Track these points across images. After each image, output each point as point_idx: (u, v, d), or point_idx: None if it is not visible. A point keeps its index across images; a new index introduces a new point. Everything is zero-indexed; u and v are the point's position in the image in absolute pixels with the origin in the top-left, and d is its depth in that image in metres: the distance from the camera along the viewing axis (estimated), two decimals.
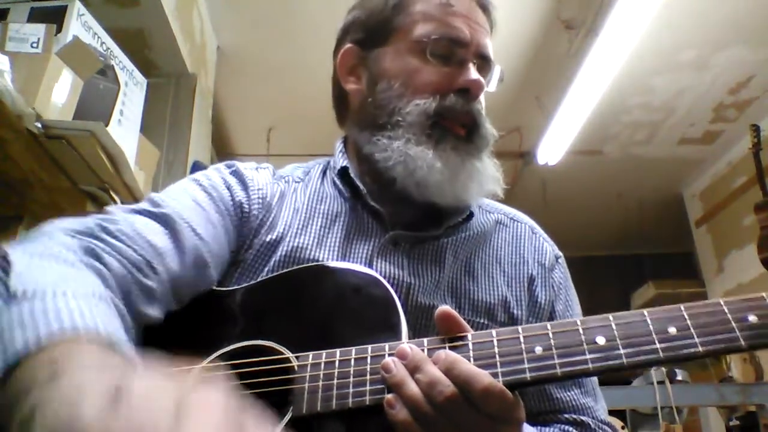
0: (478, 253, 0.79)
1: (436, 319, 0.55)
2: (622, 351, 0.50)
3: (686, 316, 0.49)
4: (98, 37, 1.53)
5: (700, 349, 0.47)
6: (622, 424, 2.96)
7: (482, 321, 0.73)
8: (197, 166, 2.31)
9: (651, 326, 0.50)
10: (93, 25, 1.52)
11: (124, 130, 1.56)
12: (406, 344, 0.55)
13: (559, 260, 0.85)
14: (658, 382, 2.23)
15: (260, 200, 0.79)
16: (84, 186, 1.29)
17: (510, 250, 0.82)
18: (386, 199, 0.78)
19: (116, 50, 1.60)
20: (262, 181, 0.81)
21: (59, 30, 1.39)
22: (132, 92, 1.65)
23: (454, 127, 0.77)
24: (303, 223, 0.77)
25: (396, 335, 0.58)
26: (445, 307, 0.55)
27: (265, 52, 3.05)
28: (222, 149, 3.67)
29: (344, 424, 0.55)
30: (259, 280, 0.70)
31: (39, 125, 1.12)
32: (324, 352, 0.57)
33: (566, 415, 0.73)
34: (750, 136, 3.19)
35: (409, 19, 0.80)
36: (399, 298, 0.63)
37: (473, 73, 0.77)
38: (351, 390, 0.54)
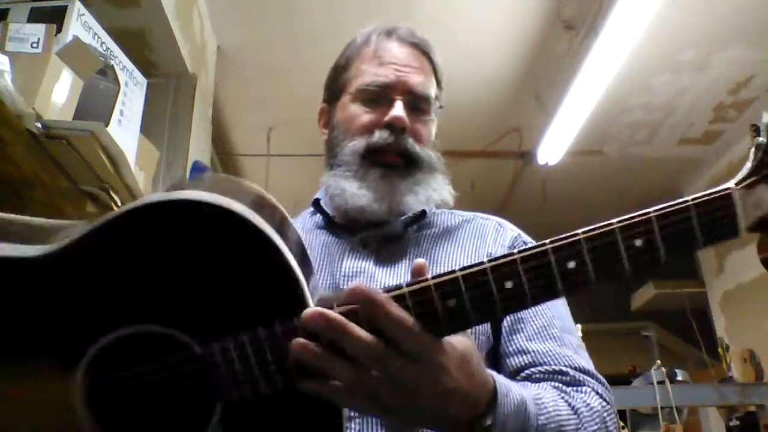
0: (443, 244, 0.88)
1: (412, 271, 0.54)
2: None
3: (585, 251, 0.53)
4: (98, 37, 1.53)
5: (593, 278, 0.52)
6: (622, 424, 2.97)
7: None
8: (197, 166, 2.31)
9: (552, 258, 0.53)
10: (93, 25, 1.51)
11: (124, 130, 1.56)
12: (312, 311, 0.49)
13: (526, 243, 0.87)
14: (659, 383, 2.23)
15: None
16: (84, 186, 1.29)
17: (474, 241, 0.88)
18: (351, 220, 0.90)
19: (116, 50, 1.60)
20: None
21: (59, 30, 1.39)
22: (132, 92, 1.65)
23: (386, 158, 0.88)
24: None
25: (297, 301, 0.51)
26: (419, 260, 0.54)
27: (265, 52, 3.05)
28: (222, 149, 3.67)
29: (277, 406, 0.51)
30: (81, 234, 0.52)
31: (39, 125, 1.12)
32: (230, 336, 0.50)
33: (545, 367, 0.74)
34: (750, 136, 3.19)
35: (351, 75, 0.94)
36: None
37: (396, 109, 0.88)
38: (274, 371, 0.50)
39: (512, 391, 0.59)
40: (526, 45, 3.03)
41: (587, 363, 0.77)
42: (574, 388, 0.72)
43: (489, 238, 0.89)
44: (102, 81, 1.43)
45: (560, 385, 0.73)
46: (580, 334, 2.97)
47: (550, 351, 0.76)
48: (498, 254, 0.77)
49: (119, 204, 1.35)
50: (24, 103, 1.09)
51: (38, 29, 1.32)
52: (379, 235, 0.87)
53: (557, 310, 0.82)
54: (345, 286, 0.74)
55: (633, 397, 2.44)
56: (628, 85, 3.22)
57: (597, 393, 0.73)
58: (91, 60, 1.38)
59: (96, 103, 1.39)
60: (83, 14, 1.48)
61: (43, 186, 1.26)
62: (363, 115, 0.90)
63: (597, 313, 4.64)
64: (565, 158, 3.75)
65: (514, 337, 0.78)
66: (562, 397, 0.69)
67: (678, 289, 4.45)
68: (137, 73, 1.70)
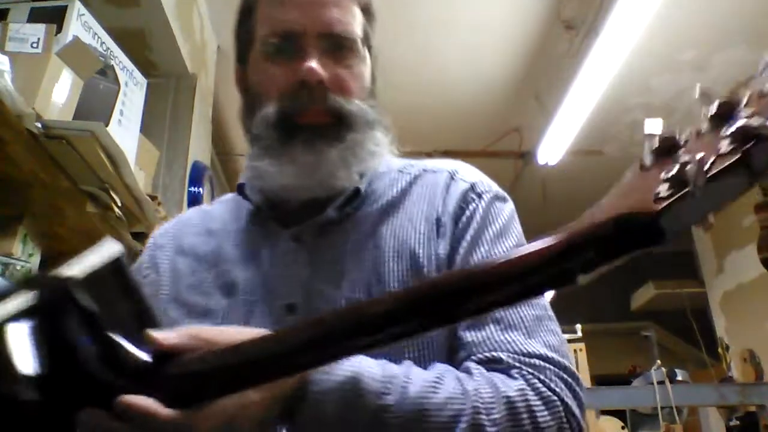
0: (389, 220, 0.72)
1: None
2: None
3: None
4: (98, 37, 1.53)
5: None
6: (622, 424, 2.97)
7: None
8: (197, 166, 2.31)
9: None
10: (93, 25, 1.51)
11: (124, 130, 1.56)
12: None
13: (483, 196, 0.74)
14: (658, 383, 2.23)
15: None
16: (84, 186, 1.29)
17: (423, 205, 0.73)
18: (280, 207, 0.75)
19: (116, 50, 1.60)
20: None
21: (59, 30, 1.39)
22: (132, 92, 1.65)
23: (309, 119, 0.71)
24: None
25: None
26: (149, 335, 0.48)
27: None
28: (222, 149, 3.67)
29: None
30: None
31: (39, 125, 1.12)
32: None
33: (478, 356, 0.61)
34: None
35: (254, 24, 0.77)
36: (301, 296, 0.65)
37: (308, 61, 0.70)
38: None
39: (340, 369, 0.53)
40: (526, 45, 3.03)
41: (541, 344, 0.62)
42: (499, 374, 0.59)
43: (439, 197, 0.74)
44: (102, 81, 1.43)
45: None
46: (580, 334, 2.98)
47: (488, 339, 0.62)
48: (450, 212, 0.72)
49: (119, 204, 1.35)
50: (24, 103, 1.09)
51: (38, 29, 1.32)
52: (312, 226, 0.72)
53: None
54: (279, 294, 0.67)
55: (633, 397, 2.44)
56: (628, 85, 3.22)
57: (534, 379, 0.59)
58: (91, 60, 1.38)
59: (96, 103, 1.39)
60: (83, 14, 1.48)
61: (43, 186, 1.26)
62: (272, 74, 0.73)
63: (597, 313, 4.65)
64: (565, 158, 3.75)
65: (455, 327, 0.65)
66: (456, 378, 0.57)
67: (678, 289, 4.45)
68: (137, 73, 1.70)
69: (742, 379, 3.44)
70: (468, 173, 0.78)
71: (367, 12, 0.80)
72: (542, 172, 3.98)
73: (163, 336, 0.47)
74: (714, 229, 4.16)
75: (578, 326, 3.73)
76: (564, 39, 2.94)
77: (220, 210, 0.84)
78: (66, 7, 1.44)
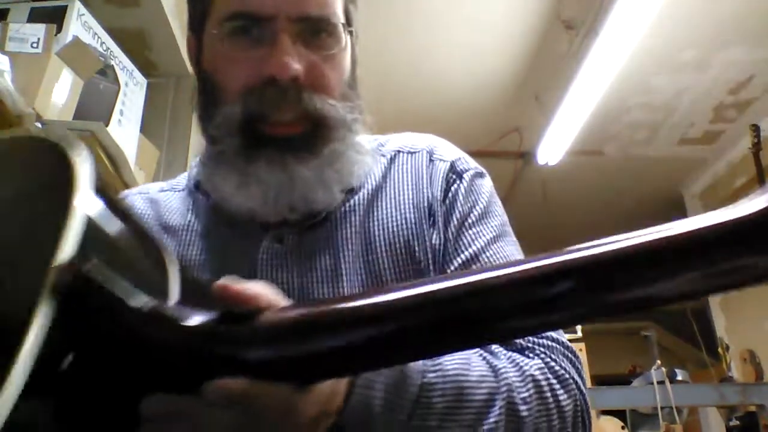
0: (376, 210, 0.66)
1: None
2: None
3: None
4: (98, 37, 1.53)
5: None
6: (622, 424, 2.97)
7: None
8: None
9: None
10: (93, 25, 1.52)
11: (124, 130, 1.56)
12: None
13: (463, 176, 0.70)
14: (658, 382, 2.23)
15: None
16: None
17: (408, 191, 0.67)
18: None
19: (116, 50, 1.60)
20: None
21: (59, 30, 1.39)
22: (132, 92, 1.65)
23: (280, 129, 0.59)
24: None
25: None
26: (216, 284, 0.40)
27: None
28: None
29: None
30: None
31: (39, 125, 1.12)
32: None
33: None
34: (750, 136, 3.19)
35: None
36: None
37: (281, 52, 0.58)
38: None
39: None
40: (526, 45, 3.03)
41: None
42: (516, 352, 0.58)
43: (424, 183, 0.68)
44: (102, 81, 1.43)
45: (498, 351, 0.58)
46: (580, 334, 2.97)
47: None
48: (439, 198, 0.66)
49: None
50: (24, 103, 1.09)
51: (38, 29, 1.32)
52: (295, 225, 0.62)
53: (502, 257, 0.65)
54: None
55: (633, 397, 2.44)
56: (628, 85, 3.22)
57: (548, 359, 0.58)
58: (91, 60, 1.38)
59: (96, 103, 1.39)
60: (83, 14, 1.48)
61: None
62: (234, 62, 0.60)
63: None
64: (565, 158, 3.75)
65: None
66: (483, 357, 0.55)
67: None
68: (137, 73, 1.70)
69: (742, 379, 3.44)
70: (445, 151, 0.72)
71: None
72: (542, 172, 3.98)
73: (240, 288, 0.38)
74: None
75: (578, 326, 3.73)
76: (564, 39, 2.94)
77: (176, 202, 0.70)
78: (66, 7, 1.44)
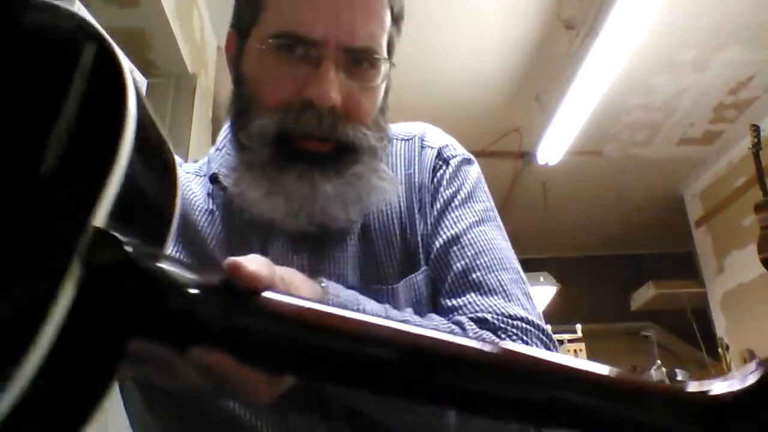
0: (379, 213, 0.68)
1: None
2: None
3: None
4: None
5: None
6: None
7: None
8: None
9: None
10: None
11: None
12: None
13: (450, 162, 0.72)
14: None
15: None
16: None
17: (403, 176, 0.71)
18: None
19: None
20: None
21: None
22: None
23: (309, 145, 0.61)
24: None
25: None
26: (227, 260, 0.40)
27: None
28: None
29: None
30: None
31: None
32: None
33: (466, 316, 0.61)
34: (750, 136, 3.19)
35: (265, 5, 0.64)
36: None
37: (324, 79, 0.60)
38: None
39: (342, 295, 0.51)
40: (526, 45, 3.03)
41: (521, 307, 0.62)
42: (486, 332, 0.59)
43: (416, 166, 0.71)
44: None
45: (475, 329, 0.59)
46: (580, 334, 2.98)
47: (470, 303, 0.62)
48: (427, 186, 0.69)
49: None
50: None
51: None
52: (312, 237, 0.64)
53: (480, 240, 0.66)
54: None
55: None
56: (628, 85, 3.22)
57: (519, 338, 0.59)
58: None
59: None
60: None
61: None
62: (277, 77, 0.62)
63: (597, 313, 4.65)
64: (565, 158, 3.75)
65: (437, 298, 0.65)
66: (452, 332, 0.54)
67: (678, 289, 4.45)
68: (137, 73, 1.70)
69: None
70: (434, 138, 0.74)
71: (397, 19, 0.68)
72: (542, 172, 3.98)
73: (248, 264, 0.38)
74: (714, 229, 4.17)
75: (578, 326, 3.73)
76: (564, 39, 2.94)
77: (199, 187, 0.72)
78: None
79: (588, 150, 3.86)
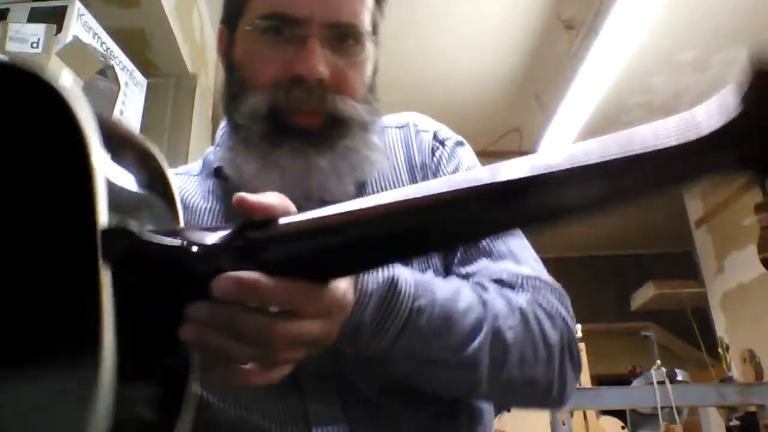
0: (375, 180, 0.70)
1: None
2: None
3: None
4: (98, 37, 1.53)
5: None
6: (622, 424, 2.97)
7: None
8: None
9: None
10: (93, 25, 1.51)
11: None
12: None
13: (445, 144, 0.75)
14: (658, 383, 2.23)
15: None
16: None
17: (403, 159, 0.73)
18: None
19: (116, 50, 1.60)
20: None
21: (59, 30, 1.39)
22: (132, 92, 1.65)
23: (301, 120, 0.63)
24: None
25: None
26: (236, 195, 0.42)
27: None
28: None
29: None
30: None
31: None
32: None
33: (476, 279, 0.63)
34: None
35: None
36: None
37: (311, 54, 0.62)
38: None
39: (374, 277, 0.51)
40: (525, 45, 3.03)
41: (531, 269, 0.65)
42: (503, 288, 0.61)
43: (414, 149, 0.74)
44: (102, 81, 1.43)
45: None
46: (580, 334, 2.98)
47: (484, 268, 0.64)
48: (427, 163, 0.72)
49: None
50: None
51: (38, 29, 1.32)
52: None
53: None
54: None
55: (633, 397, 2.44)
56: (628, 85, 3.22)
57: (536, 295, 0.62)
58: (91, 60, 1.38)
59: (96, 103, 1.38)
60: (83, 14, 1.48)
61: None
62: (265, 58, 0.65)
63: (597, 313, 4.65)
64: None
65: (451, 269, 0.67)
66: (474, 289, 0.59)
67: (678, 289, 4.45)
68: (137, 73, 1.70)
69: (742, 379, 3.44)
70: (427, 124, 0.78)
71: (379, 0, 0.71)
72: None
73: (258, 198, 0.41)
74: (714, 229, 4.17)
75: (578, 326, 3.73)
76: (564, 39, 2.94)
77: (193, 185, 0.74)
78: (66, 7, 1.44)
79: None
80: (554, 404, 0.64)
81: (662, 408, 2.27)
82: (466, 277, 0.64)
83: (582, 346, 2.86)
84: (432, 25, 2.87)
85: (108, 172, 0.37)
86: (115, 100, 1.48)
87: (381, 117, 0.72)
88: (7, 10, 1.45)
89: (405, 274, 0.54)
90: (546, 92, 3.30)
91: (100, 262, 0.34)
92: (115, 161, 0.39)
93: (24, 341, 0.36)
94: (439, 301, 0.54)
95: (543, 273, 0.66)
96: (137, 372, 0.37)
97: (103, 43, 1.55)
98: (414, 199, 0.38)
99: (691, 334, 4.29)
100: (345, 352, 0.52)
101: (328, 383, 0.60)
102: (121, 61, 1.61)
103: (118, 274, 0.35)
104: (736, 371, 3.62)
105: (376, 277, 0.51)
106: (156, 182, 0.45)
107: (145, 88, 1.73)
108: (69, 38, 1.39)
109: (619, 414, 2.97)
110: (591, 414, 2.79)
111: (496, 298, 0.59)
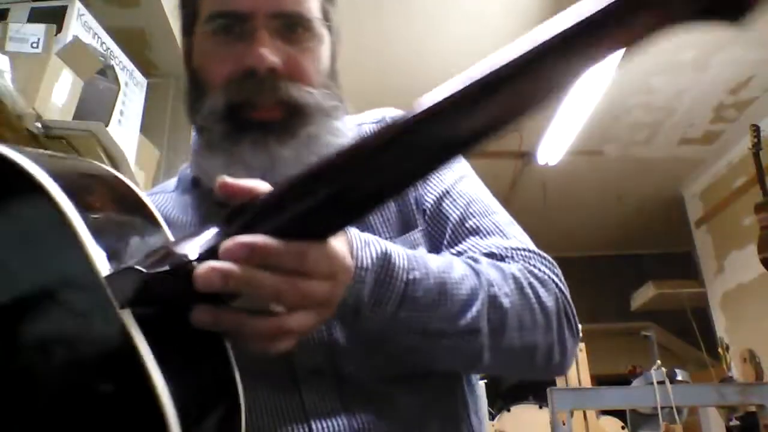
0: None
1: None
2: None
3: None
4: (98, 37, 1.53)
5: None
6: (622, 424, 2.97)
7: None
8: None
9: None
10: (93, 25, 1.52)
11: (124, 130, 1.56)
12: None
13: None
14: (658, 383, 2.23)
15: None
16: None
17: None
18: None
19: (116, 50, 1.60)
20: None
21: (59, 30, 1.39)
22: (132, 92, 1.65)
23: (259, 114, 0.64)
24: None
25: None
26: (218, 181, 0.43)
27: None
28: None
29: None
30: None
31: (39, 125, 1.13)
32: None
33: (468, 254, 0.65)
34: (750, 136, 3.19)
35: None
36: None
37: (258, 45, 0.62)
38: None
39: (372, 245, 0.52)
40: None
41: (519, 242, 0.67)
42: (495, 260, 0.62)
43: None
44: (102, 81, 1.43)
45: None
46: (580, 334, 2.98)
47: (474, 246, 0.65)
48: None
49: None
50: (24, 103, 1.09)
51: (38, 29, 1.32)
52: None
53: (469, 191, 0.71)
54: None
55: (633, 397, 2.44)
56: (628, 85, 3.22)
57: (527, 264, 0.63)
58: (91, 60, 1.38)
59: (96, 103, 1.39)
60: (83, 14, 1.48)
61: None
62: (218, 57, 0.65)
63: (597, 313, 4.65)
64: (565, 158, 3.75)
65: (441, 250, 0.68)
66: (466, 262, 0.60)
67: (678, 289, 4.45)
68: (137, 73, 1.70)
69: (742, 379, 3.44)
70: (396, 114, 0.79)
71: None
72: (542, 172, 3.98)
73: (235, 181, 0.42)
74: (714, 229, 4.17)
75: (578, 326, 3.72)
76: None
77: (170, 202, 0.75)
78: (66, 7, 1.44)
79: (588, 150, 3.86)
80: (557, 370, 0.65)
81: (662, 408, 2.27)
82: (457, 255, 0.65)
83: (582, 346, 2.86)
84: (430, 26, 2.87)
85: (84, 218, 0.37)
86: (115, 100, 1.48)
87: (344, 103, 0.71)
88: (7, 10, 1.45)
89: (397, 249, 0.55)
90: None
91: (116, 307, 0.35)
92: (87, 203, 0.39)
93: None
94: (433, 272, 0.55)
95: (531, 244, 0.68)
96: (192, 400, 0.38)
97: (103, 43, 1.55)
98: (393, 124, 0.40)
99: (691, 334, 4.29)
100: (348, 332, 0.53)
101: (323, 376, 0.60)
102: (121, 61, 1.61)
103: (137, 313, 0.36)
104: (736, 371, 3.62)
105: (369, 253, 0.52)
106: (132, 205, 0.45)
107: (145, 88, 1.73)
108: (69, 38, 1.39)
109: (619, 414, 2.97)
110: (591, 414, 2.79)
111: (489, 268, 0.60)
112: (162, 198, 0.76)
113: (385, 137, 0.39)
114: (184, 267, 0.38)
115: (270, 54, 0.62)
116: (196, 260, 0.38)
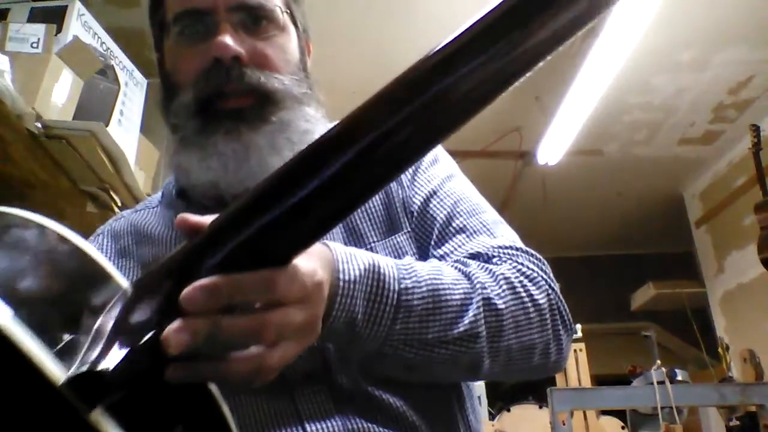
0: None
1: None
2: None
3: None
4: (98, 37, 1.53)
5: None
6: (622, 424, 2.96)
7: None
8: None
9: None
10: (93, 25, 1.52)
11: (124, 130, 1.56)
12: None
13: None
14: (658, 383, 2.23)
15: None
16: (84, 186, 1.29)
17: None
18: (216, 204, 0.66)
19: (116, 50, 1.60)
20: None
21: (59, 30, 1.39)
22: (132, 92, 1.65)
23: (230, 103, 0.64)
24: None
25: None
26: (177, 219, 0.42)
27: None
28: None
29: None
30: None
31: (39, 125, 1.13)
32: None
33: (455, 256, 0.65)
34: (750, 136, 3.19)
35: (165, 8, 0.69)
36: None
37: (221, 36, 0.63)
38: None
39: (357, 258, 0.51)
40: None
41: (506, 240, 0.66)
42: (483, 262, 0.62)
43: None
44: (102, 81, 1.43)
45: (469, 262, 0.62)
46: (580, 334, 2.98)
47: (460, 246, 0.65)
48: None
49: (119, 204, 1.35)
50: (24, 103, 1.09)
51: (38, 29, 1.32)
52: None
53: (456, 191, 0.71)
54: None
55: (633, 397, 2.44)
56: (628, 85, 3.22)
57: (515, 263, 0.62)
58: (91, 60, 1.38)
59: (96, 103, 1.39)
60: (83, 14, 1.48)
61: (43, 186, 1.26)
62: (186, 57, 0.66)
63: (597, 313, 4.64)
64: (565, 158, 3.74)
65: (429, 251, 0.67)
66: (455, 266, 0.60)
67: (678, 289, 4.45)
68: (137, 73, 1.70)
69: (742, 379, 3.43)
70: None
71: None
72: (542, 172, 3.98)
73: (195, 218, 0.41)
74: (714, 229, 4.17)
75: (578, 326, 3.73)
76: None
77: (153, 218, 0.75)
78: (66, 7, 1.44)
79: (588, 150, 3.86)
80: (554, 368, 0.64)
81: (662, 408, 2.27)
82: (444, 256, 0.65)
83: (582, 346, 2.86)
84: (430, 26, 2.86)
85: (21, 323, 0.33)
86: (115, 100, 1.48)
87: (314, 91, 0.71)
88: (8, 10, 1.45)
89: (384, 260, 0.54)
90: (546, 92, 3.29)
91: (85, 414, 0.32)
92: (16, 299, 0.35)
93: None
94: (424, 280, 0.55)
95: (518, 242, 0.67)
96: None
97: (103, 43, 1.55)
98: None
99: (691, 334, 4.29)
100: (348, 356, 0.52)
101: (316, 380, 0.60)
102: (121, 61, 1.61)
103: (107, 404, 0.33)
104: (736, 371, 3.62)
105: (356, 265, 0.51)
106: (71, 264, 0.42)
107: (145, 88, 1.73)
108: (69, 38, 1.39)
109: (619, 414, 2.97)
110: (591, 414, 2.79)
111: (479, 271, 0.59)
112: (146, 214, 0.76)
113: (340, 139, 0.38)
114: (147, 342, 0.35)
115: (233, 42, 0.63)
116: (155, 327, 0.36)
